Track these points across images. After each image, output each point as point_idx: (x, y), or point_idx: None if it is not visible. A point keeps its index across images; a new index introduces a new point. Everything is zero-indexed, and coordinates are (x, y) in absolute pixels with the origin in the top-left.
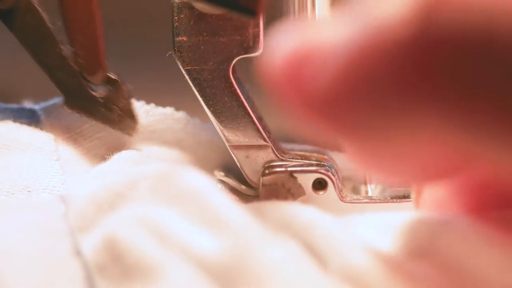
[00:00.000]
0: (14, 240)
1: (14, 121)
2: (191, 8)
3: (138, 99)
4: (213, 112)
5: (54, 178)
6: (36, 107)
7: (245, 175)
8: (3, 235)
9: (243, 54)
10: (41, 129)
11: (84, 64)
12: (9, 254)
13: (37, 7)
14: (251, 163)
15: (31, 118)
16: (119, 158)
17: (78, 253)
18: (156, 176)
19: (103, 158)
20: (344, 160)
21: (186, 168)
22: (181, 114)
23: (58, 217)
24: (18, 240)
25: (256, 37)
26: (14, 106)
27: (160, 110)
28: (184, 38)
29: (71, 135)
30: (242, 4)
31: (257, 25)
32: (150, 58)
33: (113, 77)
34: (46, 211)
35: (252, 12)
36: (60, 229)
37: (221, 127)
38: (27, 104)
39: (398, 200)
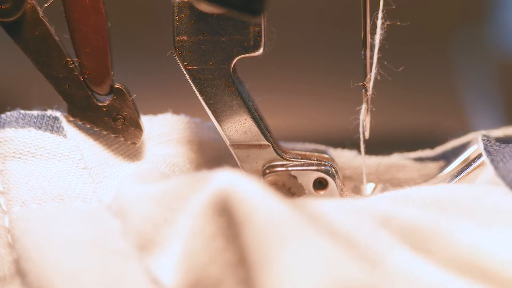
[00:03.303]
0: (73, 256)
1: (36, 128)
2: (192, 7)
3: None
4: (213, 112)
5: (85, 186)
6: (58, 114)
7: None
8: (58, 249)
9: (244, 54)
10: (65, 136)
11: (90, 76)
12: (75, 276)
13: (43, 19)
14: (252, 162)
15: (53, 125)
16: (146, 166)
17: (155, 281)
18: (210, 190)
19: (124, 164)
20: (344, 159)
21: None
22: (182, 116)
23: (115, 233)
24: (78, 257)
25: (257, 36)
26: (35, 112)
27: (160, 116)
28: (185, 38)
29: (93, 142)
30: (245, 4)
31: (258, 25)
32: (150, 57)
33: (118, 86)
34: (98, 224)
35: (256, 12)
36: (122, 249)
37: (221, 126)
38: (49, 111)
39: None
